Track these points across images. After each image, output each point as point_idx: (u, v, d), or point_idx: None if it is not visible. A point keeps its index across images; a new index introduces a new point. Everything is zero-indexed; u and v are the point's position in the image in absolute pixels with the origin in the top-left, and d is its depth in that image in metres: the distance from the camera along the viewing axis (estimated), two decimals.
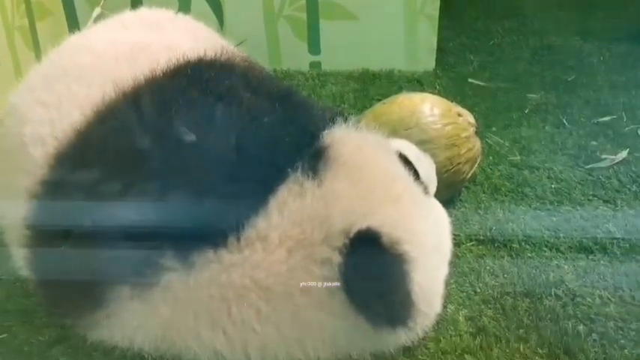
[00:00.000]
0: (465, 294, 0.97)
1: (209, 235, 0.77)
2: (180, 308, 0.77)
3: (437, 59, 1.82)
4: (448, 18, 2.25)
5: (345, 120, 0.94)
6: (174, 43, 1.02)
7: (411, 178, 0.90)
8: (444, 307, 0.92)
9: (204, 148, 0.80)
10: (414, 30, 1.75)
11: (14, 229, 0.88)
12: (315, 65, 1.79)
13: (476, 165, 1.18)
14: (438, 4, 1.72)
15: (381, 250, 0.77)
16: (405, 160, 0.95)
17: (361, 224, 0.78)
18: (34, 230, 0.83)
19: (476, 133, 1.18)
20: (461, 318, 0.92)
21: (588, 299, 0.95)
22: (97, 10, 1.25)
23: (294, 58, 1.78)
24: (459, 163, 1.12)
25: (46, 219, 0.82)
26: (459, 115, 1.15)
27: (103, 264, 0.78)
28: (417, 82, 1.70)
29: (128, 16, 1.15)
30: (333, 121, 0.91)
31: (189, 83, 0.87)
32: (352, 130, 0.91)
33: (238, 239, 0.77)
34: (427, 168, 1.00)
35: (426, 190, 0.96)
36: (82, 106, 0.87)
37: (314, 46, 1.78)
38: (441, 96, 1.63)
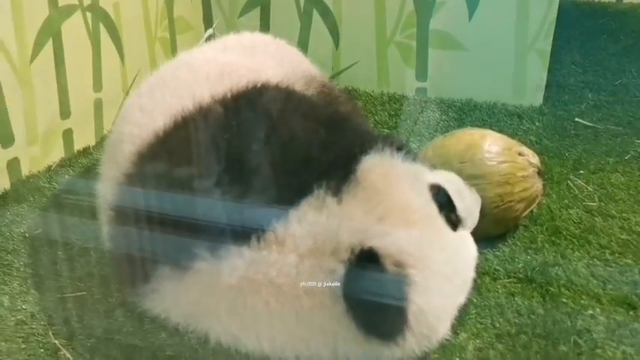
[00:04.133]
0: (482, 326, 0.99)
1: (237, 232, 0.89)
2: (206, 292, 0.91)
3: (550, 95, 1.81)
4: (581, 54, 2.19)
5: (390, 148, 1.02)
6: (259, 67, 1.18)
7: (434, 210, 0.96)
8: (456, 333, 0.96)
9: (245, 160, 0.93)
10: (523, 64, 1.75)
11: (104, 209, 1.08)
12: (420, 91, 1.86)
13: (533, 205, 1.19)
14: (550, 40, 1.72)
15: (380, 268, 0.85)
16: (443, 193, 1.01)
17: (367, 243, 0.86)
18: (112, 211, 1.02)
19: (538, 173, 1.19)
20: (470, 347, 0.95)
21: (609, 352, 0.93)
22: (210, 31, 1.45)
23: (401, 82, 1.87)
24: (510, 201, 1.14)
25: (120, 204, 1.01)
26: (520, 154, 1.17)
27: (153, 245, 0.94)
28: (517, 117, 1.70)
29: (231, 38, 1.33)
30: (373, 148, 0.99)
31: (247, 105, 1.01)
32: (388, 158, 0.99)
33: (258, 239, 0.89)
34: (468, 202, 1.05)
35: (458, 222, 1.01)
36: (166, 114, 1.04)
37: (421, 73, 1.85)
38: (539, 132, 1.64)
